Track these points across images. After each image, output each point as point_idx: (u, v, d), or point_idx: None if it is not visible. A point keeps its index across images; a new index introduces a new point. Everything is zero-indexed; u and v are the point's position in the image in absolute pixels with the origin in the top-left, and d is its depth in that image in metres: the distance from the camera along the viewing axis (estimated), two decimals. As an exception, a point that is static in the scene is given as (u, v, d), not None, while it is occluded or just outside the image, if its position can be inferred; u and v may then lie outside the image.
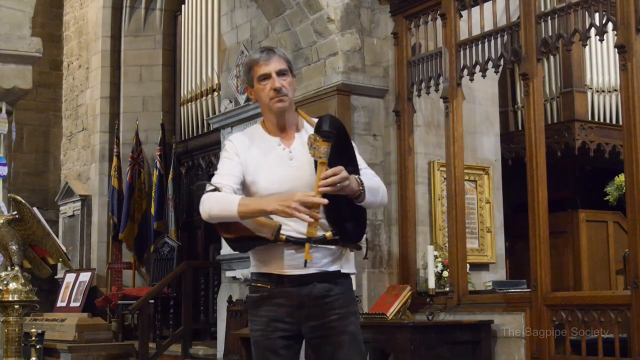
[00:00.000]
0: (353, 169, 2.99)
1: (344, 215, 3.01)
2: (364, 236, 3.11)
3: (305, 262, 2.95)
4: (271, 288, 3.08)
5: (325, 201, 2.85)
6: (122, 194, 10.64)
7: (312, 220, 2.86)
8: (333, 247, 3.03)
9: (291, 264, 3.02)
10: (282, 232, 2.96)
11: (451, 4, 6.45)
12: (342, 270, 3.07)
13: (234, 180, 3.05)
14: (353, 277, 3.16)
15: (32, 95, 11.55)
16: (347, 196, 2.96)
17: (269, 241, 2.98)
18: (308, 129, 3.11)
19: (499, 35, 6.15)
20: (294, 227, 2.98)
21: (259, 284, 3.11)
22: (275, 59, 3.07)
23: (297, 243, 2.98)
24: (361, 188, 2.95)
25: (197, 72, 10.40)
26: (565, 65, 8.31)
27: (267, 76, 3.06)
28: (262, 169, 3.05)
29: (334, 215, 2.99)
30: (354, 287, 3.18)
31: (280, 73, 3.06)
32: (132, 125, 10.83)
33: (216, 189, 3.02)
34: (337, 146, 2.93)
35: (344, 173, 2.87)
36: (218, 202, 2.99)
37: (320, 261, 3.02)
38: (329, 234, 2.99)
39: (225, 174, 3.07)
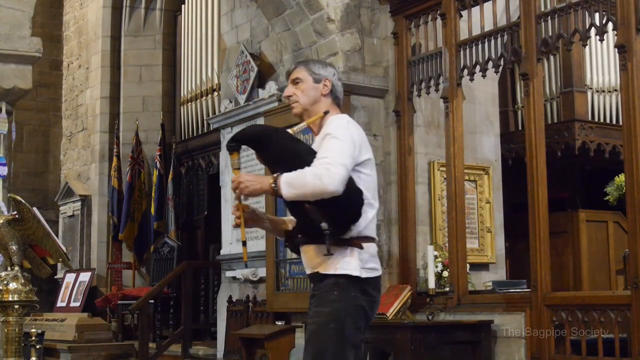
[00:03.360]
0: (282, 169, 3.05)
1: (297, 215, 3.19)
2: (325, 232, 3.05)
3: (246, 263, 3.29)
4: None
5: (235, 213, 3.14)
6: (122, 194, 10.64)
7: (233, 224, 3.20)
8: (317, 247, 3.13)
9: (304, 263, 3.28)
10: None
11: (451, 4, 6.44)
12: (321, 271, 3.13)
13: None
14: (345, 277, 3.09)
15: (32, 95, 11.55)
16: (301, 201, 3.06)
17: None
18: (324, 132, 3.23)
19: (499, 35, 6.15)
20: (298, 229, 3.26)
21: None
22: (294, 71, 3.34)
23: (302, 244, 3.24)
24: (273, 186, 3.01)
25: (197, 72, 10.40)
26: (565, 65, 8.31)
27: None
28: None
29: (294, 217, 3.23)
30: (352, 289, 3.09)
31: (294, 82, 3.31)
32: (132, 125, 10.83)
33: None
34: (260, 153, 3.20)
35: (238, 179, 3.07)
36: None
37: (312, 262, 3.19)
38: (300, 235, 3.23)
39: None
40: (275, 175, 3.02)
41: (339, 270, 3.09)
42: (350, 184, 3.04)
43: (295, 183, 2.98)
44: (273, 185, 3.00)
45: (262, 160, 3.24)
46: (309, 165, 3.02)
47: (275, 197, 3.12)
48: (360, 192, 3.09)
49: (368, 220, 3.14)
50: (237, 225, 3.16)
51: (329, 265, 3.10)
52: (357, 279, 3.09)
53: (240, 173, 3.12)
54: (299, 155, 3.09)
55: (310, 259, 3.17)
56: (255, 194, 3.09)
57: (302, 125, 3.28)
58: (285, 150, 3.12)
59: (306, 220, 3.11)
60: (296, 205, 3.09)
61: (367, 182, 3.16)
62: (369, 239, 3.15)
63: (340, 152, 3.03)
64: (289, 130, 3.25)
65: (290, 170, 3.02)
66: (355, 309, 3.10)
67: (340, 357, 3.04)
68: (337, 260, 3.09)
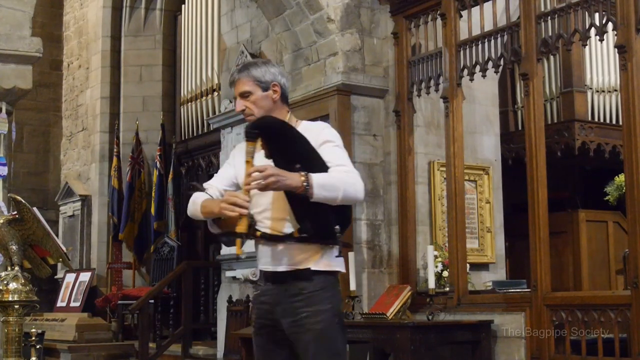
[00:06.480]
0: (303, 166, 2.98)
1: (304, 212, 3.05)
2: (337, 234, 3.08)
3: (238, 256, 3.19)
4: (260, 285, 3.25)
5: (238, 200, 2.96)
6: (122, 194, 10.64)
7: (235, 214, 2.98)
8: (304, 244, 3.08)
9: (267, 260, 3.17)
10: (258, 228, 3.11)
11: (451, 4, 6.45)
12: (313, 268, 3.10)
13: (221, 182, 3.30)
14: (333, 274, 3.16)
15: (32, 95, 11.54)
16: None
17: (255, 236, 3.13)
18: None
19: (499, 35, 6.15)
20: (266, 224, 3.13)
21: (257, 281, 3.29)
22: (239, 82, 3.25)
23: (269, 239, 3.12)
24: (305, 184, 2.93)
25: (197, 72, 10.40)
26: (565, 65, 8.31)
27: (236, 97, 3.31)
28: (242, 172, 3.13)
29: (297, 213, 3.06)
30: (338, 285, 3.19)
31: (243, 95, 3.25)
32: (132, 125, 10.83)
33: (203, 189, 3.28)
34: (274, 145, 3.06)
35: (269, 170, 2.91)
36: (193, 202, 3.25)
37: (293, 258, 3.10)
38: (296, 231, 3.08)
39: (217, 175, 3.36)
40: (304, 173, 2.94)
41: (330, 268, 3.13)
42: None
43: (328, 186, 2.96)
44: (305, 184, 2.92)
45: (270, 152, 3.07)
46: (316, 166, 3.01)
47: (297, 194, 2.97)
48: None
49: None
50: (240, 216, 2.99)
51: (324, 262, 3.11)
52: (338, 274, 3.19)
53: (254, 163, 3.00)
54: (316, 156, 3.07)
55: (291, 256, 3.10)
56: (281, 189, 2.98)
57: None
58: (305, 147, 3.08)
59: (316, 220, 3.06)
60: (311, 206, 2.99)
61: None
62: None
63: (349, 161, 3.12)
64: None
65: (302, 168, 2.96)
66: (341, 302, 3.26)
67: (345, 349, 3.16)
68: (327, 258, 3.12)
